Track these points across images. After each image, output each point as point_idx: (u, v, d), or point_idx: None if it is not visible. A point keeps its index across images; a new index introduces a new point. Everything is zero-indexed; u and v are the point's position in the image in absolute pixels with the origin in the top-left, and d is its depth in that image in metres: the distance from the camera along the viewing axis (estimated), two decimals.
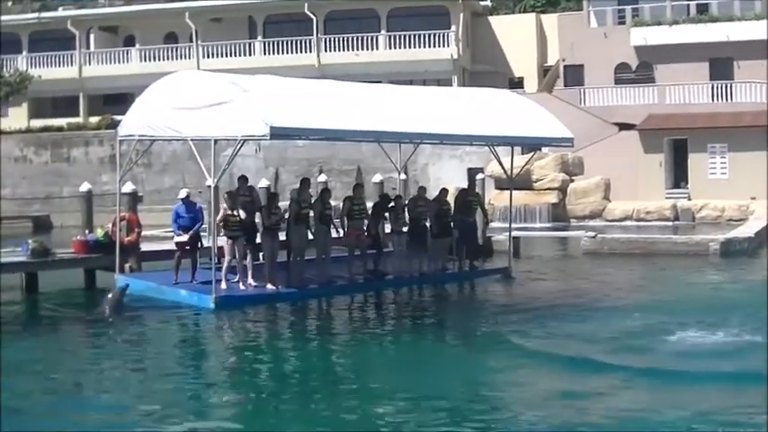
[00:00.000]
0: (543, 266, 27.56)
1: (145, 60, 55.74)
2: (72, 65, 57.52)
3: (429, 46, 53.34)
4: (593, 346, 15.08)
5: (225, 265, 20.32)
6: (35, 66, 57.02)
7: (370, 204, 23.32)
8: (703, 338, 15.38)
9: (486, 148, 27.53)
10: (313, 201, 21.87)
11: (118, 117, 34.60)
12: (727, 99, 45.72)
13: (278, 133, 18.81)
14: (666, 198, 43.46)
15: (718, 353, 14.23)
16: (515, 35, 55.37)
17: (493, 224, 32.87)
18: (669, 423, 10.88)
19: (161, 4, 58.00)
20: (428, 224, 23.34)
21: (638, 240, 30.55)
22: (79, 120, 55.51)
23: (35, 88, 55.04)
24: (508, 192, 26.95)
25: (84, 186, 27.85)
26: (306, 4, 54.00)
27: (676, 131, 44.64)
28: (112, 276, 21.59)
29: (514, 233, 27.41)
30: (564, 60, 50.84)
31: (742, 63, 46.62)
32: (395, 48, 53.70)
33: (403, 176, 27.80)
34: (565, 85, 49.94)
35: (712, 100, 45.93)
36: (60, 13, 59.71)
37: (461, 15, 54.21)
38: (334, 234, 22.07)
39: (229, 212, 20.20)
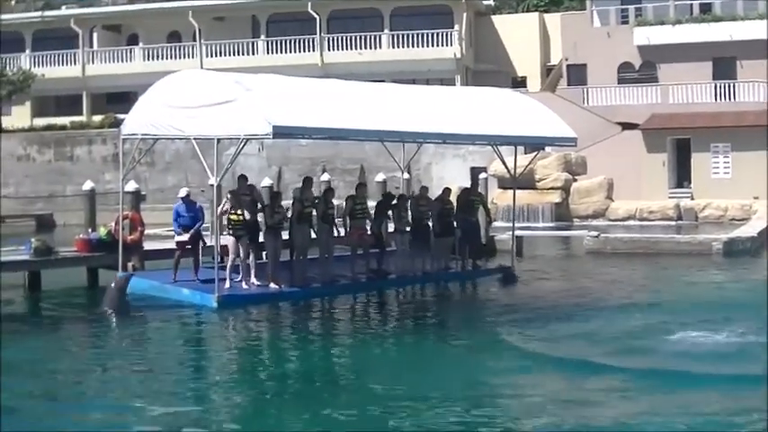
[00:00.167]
0: (546, 266, 27.54)
1: (148, 59, 55.74)
2: (75, 63, 57.56)
3: (432, 45, 53.33)
4: (595, 347, 15.03)
5: (229, 263, 20.32)
6: (38, 64, 57.10)
7: (372, 204, 23.31)
8: (705, 338, 15.35)
9: (489, 147, 27.52)
10: (316, 200, 21.86)
11: (121, 116, 34.57)
12: (730, 98, 45.72)
13: (280, 132, 18.82)
14: (669, 197, 43.46)
15: (720, 354, 14.14)
16: (518, 34, 55.35)
17: (496, 223, 32.88)
18: (669, 424, 10.86)
19: (164, 3, 57.99)
20: (430, 223, 23.33)
21: (640, 240, 30.55)
22: (82, 118, 55.56)
23: (38, 87, 55.14)
24: (511, 191, 26.95)
25: (88, 185, 27.86)
26: (309, 4, 54.03)
27: (679, 131, 44.65)
28: (115, 275, 21.56)
29: (517, 232, 27.39)
30: (567, 60, 50.85)
31: (745, 63, 46.62)
32: (398, 47, 53.70)
33: (406, 176, 27.80)
34: (568, 85, 49.93)
35: (715, 99, 45.94)
36: (63, 11, 59.74)
37: (464, 15, 54.19)
38: (336, 233, 22.06)
39: (232, 211, 20.20)
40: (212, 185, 19.92)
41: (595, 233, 30.82)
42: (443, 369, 14.29)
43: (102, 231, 22.67)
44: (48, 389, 13.22)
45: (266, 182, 29.19)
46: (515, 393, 12.63)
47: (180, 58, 54.91)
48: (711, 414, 11.20)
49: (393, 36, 54.00)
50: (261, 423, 11.64)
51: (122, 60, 57.13)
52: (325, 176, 33.84)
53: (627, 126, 44.58)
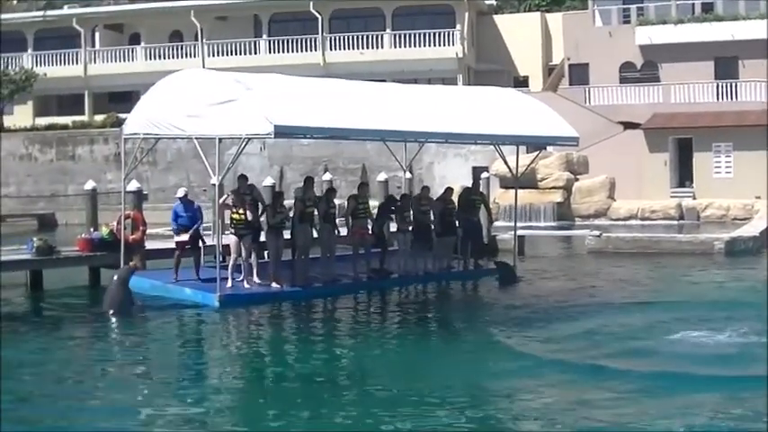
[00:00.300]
0: (548, 265, 27.52)
1: (150, 59, 55.80)
2: (77, 63, 57.62)
3: (434, 45, 53.34)
4: (597, 348, 14.95)
5: (231, 263, 20.33)
6: (40, 64, 57.17)
7: (373, 203, 23.31)
8: (707, 338, 15.34)
9: (491, 146, 27.52)
10: (318, 199, 21.86)
11: (123, 115, 34.62)
12: (732, 98, 45.73)
13: (282, 132, 18.84)
14: (671, 197, 43.46)
15: (722, 356, 14.06)
16: (520, 34, 55.37)
17: (498, 223, 32.88)
18: (670, 427, 10.84)
19: (166, 3, 58.01)
20: (431, 223, 23.33)
21: (642, 239, 30.52)
22: (84, 118, 55.61)
23: (40, 86, 55.21)
24: (513, 190, 26.95)
25: (89, 184, 27.85)
26: (311, 3, 54.06)
27: (681, 130, 44.65)
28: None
29: (519, 232, 27.40)
30: (569, 59, 50.83)
31: (747, 62, 46.60)
32: (400, 46, 53.72)
33: (408, 175, 27.79)
34: (570, 84, 49.92)
35: (717, 99, 45.95)
36: (66, 11, 59.76)
37: (466, 14, 54.19)
38: (337, 233, 22.05)
39: (234, 210, 20.22)
40: (214, 185, 19.90)
41: (597, 233, 30.79)
42: (443, 369, 14.25)
43: (104, 231, 22.68)
44: (48, 389, 13.20)
45: (268, 181, 29.15)
46: (515, 396, 12.58)
47: (182, 57, 54.95)
48: (713, 416, 11.15)
49: (395, 36, 54.01)
50: (261, 423, 11.64)
51: (124, 60, 57.18)
52: (327, 176, 33.82)
53: (629, 125, 44.68)
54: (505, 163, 25.15)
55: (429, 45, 53.35)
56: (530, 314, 18.71)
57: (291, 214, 21.41)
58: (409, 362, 15.22)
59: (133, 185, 24.34)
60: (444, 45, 53.28)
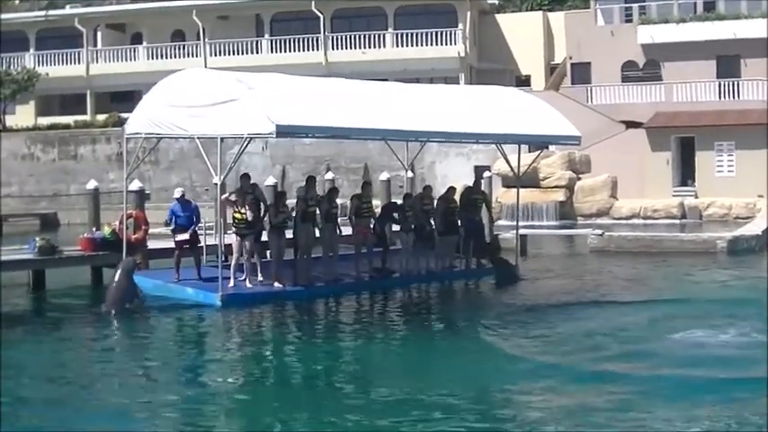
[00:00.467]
0: (550, 265, 27.52)
1: (152, 58, 55.79)
2: (79, 63, 57.62)
3: (436, 44, 53.32)
4: (598, 350, 14.85)
5: (233, 262, 20.34)
6: (42, 63, 57.17)
7: (375, 202, 23.31)
8: (710, 338, 15.32)
9: (493, 145, 27.51)
10: (320, 199, 21.85)
11: (125, 115, 34.60)
12: (734, 97, 45.71)
13: (283, 131, 18.83)
14: (673, 196, 43.47)
15: (722, 357, 14.01)
16: (522, 33, 55.37)
17: (500, 222, 32.88)
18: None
19: (168, 2, 57.98)
20: (433, 223, 23.32)
21: (645, 238, 30.52)
22: (86, 117, 55.61)
23: (42, 86, 55.22)
24: (515, 190, 26.93)
25: (92, 184, 27.85)
26: (313, 2, 54.06)
27: (683, 129, 44.64)
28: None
29: (521, 231, 27.39)
30: (571, 58, 50.80)
31: (749, 61, 46.55)
32: (402, 46, 53.70)
33: (410, 174, 27.79)
34: (572, 83, 49.89)
35: (719, 98, 45.92)
36: (67, 11, 59.74)
37: (468, 13, 54.18)
38: (339, 232, 22.04)
39: (236, 209, 20.23)
40: (216, 184, 19.92)
41: (599, 232, 30.79)
42: (444, 370, 14.21)
43: (106, 230, 22.69)
44: (49, 390, 13.20)
45: (270, 180, 29.12)
46: (516, 398, 12.51)
47: (184, 57, 54.91)
48: (713, 419, 11.10)
49: (397, 35, 54.00)
50: (262, 423, 11.63)
51: (126, 59, 57.17)
52: (329, 175, 33.82)
53: (631, 124, 44.47)
54: (507, 162, 25.15)
55: (431, 44, 53.33)
56: (531, 314, 18.69)
57: (294, 214, 21.40)
58: (410, 362, 15.21)
59: (135, 185, 24.34)
60: (446, 44, 53.26)
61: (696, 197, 43.03)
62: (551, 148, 38.48)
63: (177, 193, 21.92)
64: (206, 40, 55.92)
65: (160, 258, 22.85)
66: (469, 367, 14.50)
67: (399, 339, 17.11)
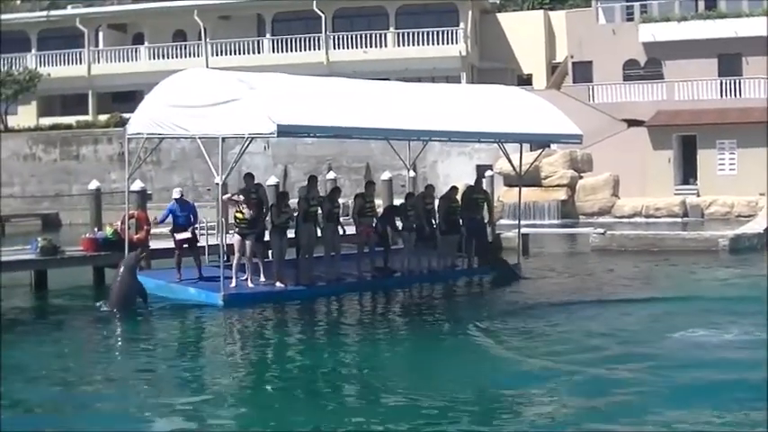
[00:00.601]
0: (552, 263, 27.50)
1: (153, 58, 55.82)
2: (81, 63, 57.67)
3: (438, 43, 53.33)
4: (599, 351, 14.76)
5: (235, 262, 20.35)
6: (44, 64, 57.23)
7: (378, 202, 23.31)
8: (712, 337, 15.30)
9: (494, 144, 27.52)
10: (321, 198, 21.86)
11: (126, 115, 34.65)
12: (735, 95, 45.71)
13: (285, 131, 18.83)
14: (675, 194, 43.48)
15: (723, 358, 13.97)
16: (524, 32, 55.37)
17: (502, 221, 32.87)
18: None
19: (169, 2, 58.04)
20: (435, 222, 23.32)
21: (647, 237, 30.52)
22: (88, 118, 55.68)
23: (44, 86, 55.27)
24: (517, 189, 26.93)
25: (93, 184, 27.89)
26: (314, 2, 54.07)
27: (685, 128, 44.63)
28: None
29: (523, 230, 27.38)
30: (572, 57, 50.81)
31: (750, 59, 46.55)
32: (403, 45, 53.71)
33: (412, 174, 27.78)
34: (573, 82, 49.89)
35: (721, 96, 45.92)
36: (69, 11, 59.80)
37: (470, 12, 54.20)
38: (341, 231, 22.04)
39: (238, 209, 20.23)
40: (218, 184, 19.92)
41: (601, 230, 30.78)
42: (445, 370, 14.19)
43: (108, 230, 22.71)
44: (49, 390, 13.20)
45: (272, 180, 29.16)
46: (515, 399, 12.46)
47: (185, 57, 54.96)
48: (713, 421, 11.08)
49: (398, 34, 54.02)
50: (263, 423, 11.63)
51: (128, 60, 57.21)
52: (331, 175, 33.86)
53: (632, 123, 44.45)
54: (509, 161, 25.14)
55: (432, 43, 53.34)
56: (532, 313, 18.67)
57: (296, 213, 21.40)
58: (411, 362, 15.21)
59: (137, 185, 24.39)
60: (448, 43, 53.27)
61: (698, 195, 43.05)
62: (553, 146, 38.43)
63: (176, 194, 21.96)
64: (207, 40, 55.95)
65: (161, 258, 22.85)
66: (469, 367, 14.46)
67: (400, 339, 17.09)
